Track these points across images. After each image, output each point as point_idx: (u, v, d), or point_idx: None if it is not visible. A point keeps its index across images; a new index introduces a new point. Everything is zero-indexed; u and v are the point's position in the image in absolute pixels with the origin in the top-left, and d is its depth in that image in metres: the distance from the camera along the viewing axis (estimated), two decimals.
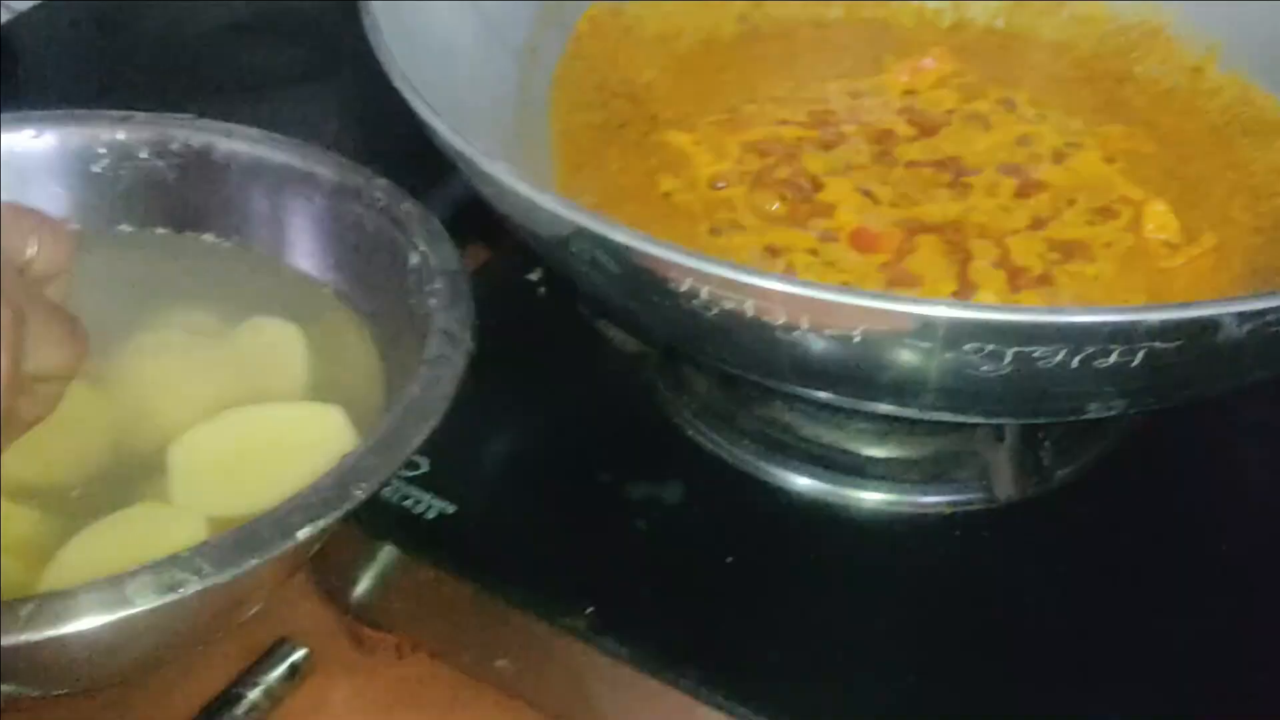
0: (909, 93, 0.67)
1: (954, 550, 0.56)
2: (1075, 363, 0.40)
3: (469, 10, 0.60)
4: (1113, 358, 0.40)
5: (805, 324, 0.41)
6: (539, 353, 0.62)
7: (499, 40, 0.61)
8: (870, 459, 0.57)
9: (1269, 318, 0.39)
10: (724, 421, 0.59)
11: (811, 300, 0.40)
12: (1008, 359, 0.40)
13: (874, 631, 0.53)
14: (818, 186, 0.61)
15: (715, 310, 0.42)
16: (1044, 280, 0.57)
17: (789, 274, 0.57)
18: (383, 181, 0.56)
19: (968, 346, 0.40)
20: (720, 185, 0.61)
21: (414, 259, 0.54)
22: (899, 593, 0.55)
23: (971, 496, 0.56)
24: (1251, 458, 0.58)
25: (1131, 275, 0.57)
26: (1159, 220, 0.58)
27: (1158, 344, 0.39)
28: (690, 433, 0.59)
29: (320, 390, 0.54)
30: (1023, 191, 0.61)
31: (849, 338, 0.41)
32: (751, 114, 0.65)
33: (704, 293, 0.42)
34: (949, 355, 0.40)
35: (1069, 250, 0.58)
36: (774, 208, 0.60)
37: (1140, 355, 0.40)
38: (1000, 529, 0.56)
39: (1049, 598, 0.54)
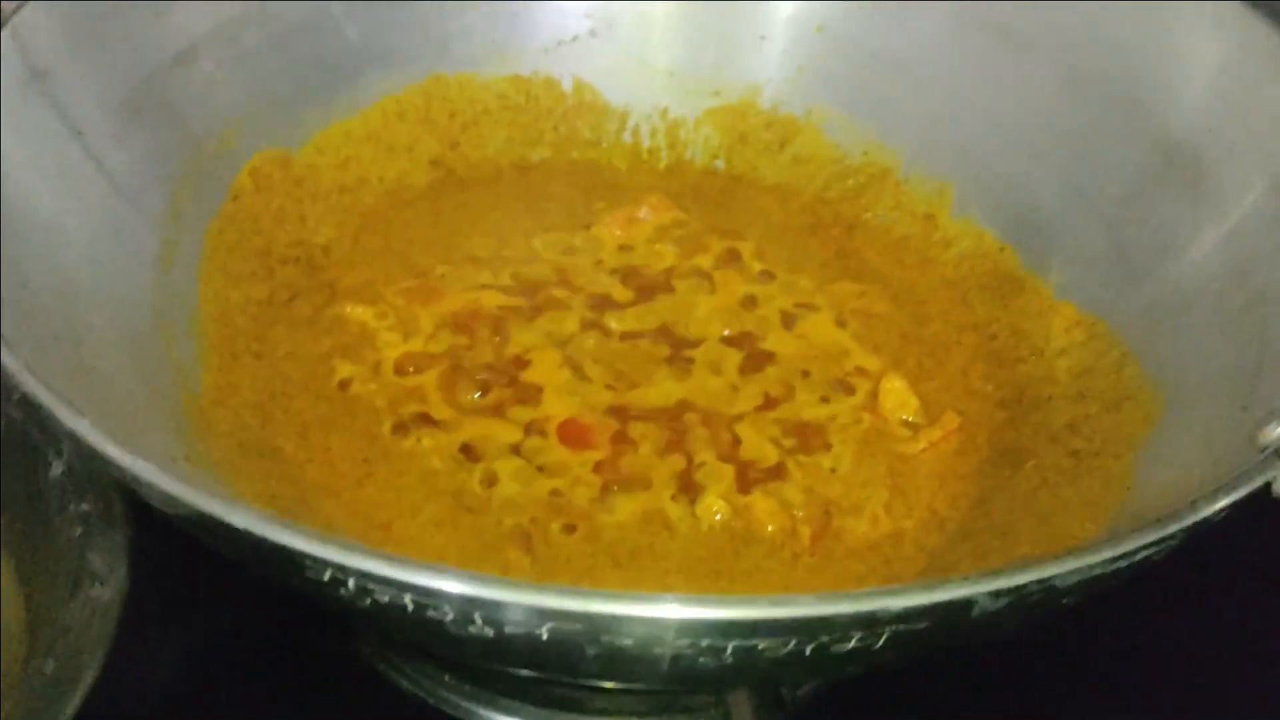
0: (624, 248, 0.60)
1: None
2: (809, 650, 0.33)
3: (88, 168, 0.50)
4: (852, 643, 0.33)
5: (479, 621, 0.32)
6: (178, 574, 0.52)
7: (133, 207, 0.51)
8: (592, 691, 0.49)
9: (1029, 589, 0.33)
10: (419, 653, 0.50)
11: (475, 598, 0.32)
12: (728, 652, 0.33)
13: None
14: (522, 364, 0.54)
15: (369, 602, 0.33)
16: (777, 473, 0.50)
17: (489, 480, 0.49)
18: None
19: (681, 642, 0.32)
20: (409, 370, 0.53)
21: (57, 469, 0.45)
22: None
23: None
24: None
25: (871, 463, 0.51)
26: (897, 398, 0.53)
27: (904, 626, 0.33)
28: (380, 667, 0.50)
29: None
30: (750, 366, 0.54)
31: (536, 635, 0.33)
32: (445, 279, 0.57)
33: (351, 584, 0.33)
34: (658, 651, 0.33)
35: (804, 435, 0.52)
36: (474, 397, 0.52)
37: (884, 637, 0.33)
38: None
39: None
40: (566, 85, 0.64)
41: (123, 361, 0.46)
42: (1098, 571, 0.33)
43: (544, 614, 0.31)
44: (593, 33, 0.65)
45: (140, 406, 0.45)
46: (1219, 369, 0.47)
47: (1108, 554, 0.33)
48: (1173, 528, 0.33)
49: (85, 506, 0.45)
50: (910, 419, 0.52)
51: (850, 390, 0.54)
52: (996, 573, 0.32)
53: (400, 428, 0.51)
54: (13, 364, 0.36)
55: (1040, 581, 0.32)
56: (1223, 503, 0.34)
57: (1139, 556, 0.33)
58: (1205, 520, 0.34)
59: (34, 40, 0.49)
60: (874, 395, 0.53)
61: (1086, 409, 0.51)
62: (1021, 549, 0.46)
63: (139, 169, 0.52)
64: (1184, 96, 0.54)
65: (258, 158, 0.57)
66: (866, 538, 0.48)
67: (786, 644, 0.32)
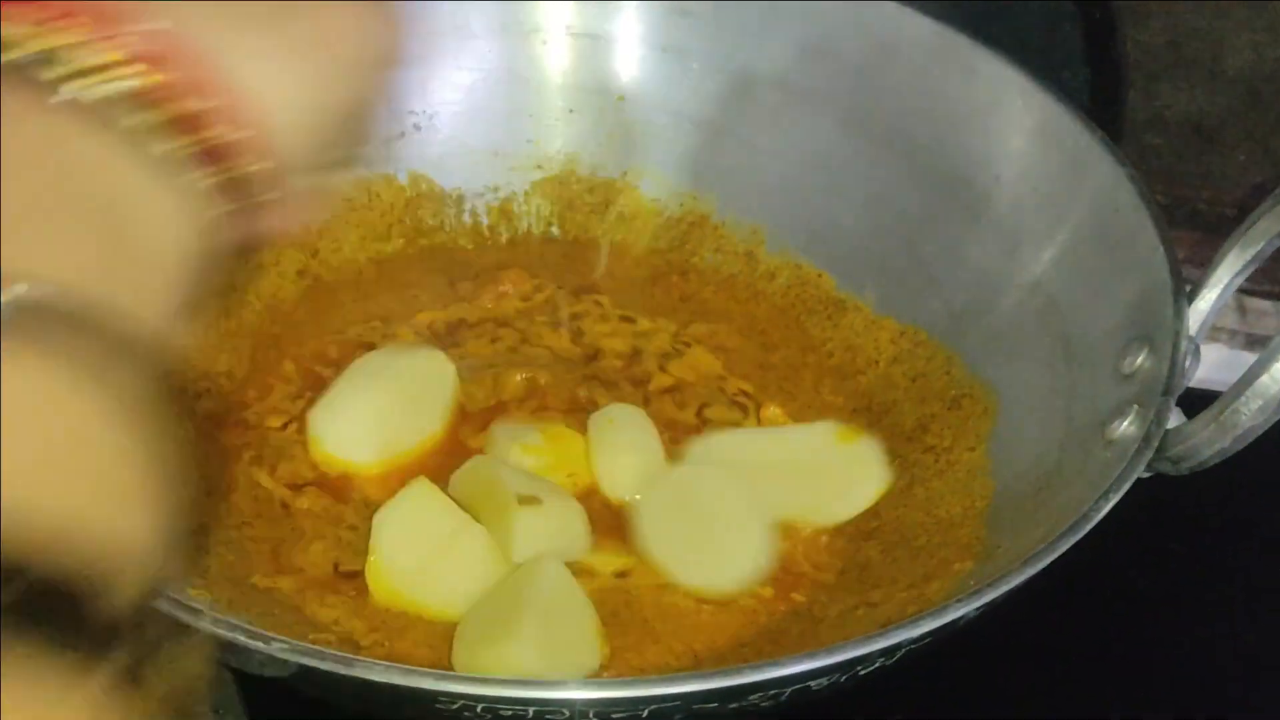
0: (498, 321, 0.66)
1: None
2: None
3: None
4: None
5: (592, 716, 0.39)
6: None
7: None
8: None
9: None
10: None
11: (599, 698, 0.39)
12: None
13: None
14: None
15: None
16: None
17: None
18: None
19: None
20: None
21: None
22: None
23: None
24: None
25: None
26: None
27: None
28: None
29: None
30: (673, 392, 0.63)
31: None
32: None
33: (479, 709, 0.39)
34: None
35: None
36: None
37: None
38: None
39: None
40: (403, 179, 0.70)
41: None
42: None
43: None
44: (417, 126, 0.70)
45: None
46: (1035, 366, 0.58)
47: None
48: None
49: None
50: None
51: (744, 411, 0.62)
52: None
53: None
54: None
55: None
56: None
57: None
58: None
59: None
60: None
61: (930, 409, 0.61)
62: (919, 540, 0.55)
63: None
64: (951, 134, 0.65)
65: None
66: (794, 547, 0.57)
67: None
